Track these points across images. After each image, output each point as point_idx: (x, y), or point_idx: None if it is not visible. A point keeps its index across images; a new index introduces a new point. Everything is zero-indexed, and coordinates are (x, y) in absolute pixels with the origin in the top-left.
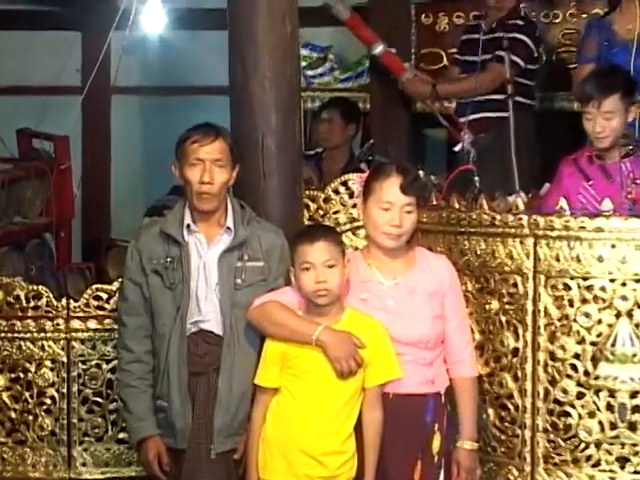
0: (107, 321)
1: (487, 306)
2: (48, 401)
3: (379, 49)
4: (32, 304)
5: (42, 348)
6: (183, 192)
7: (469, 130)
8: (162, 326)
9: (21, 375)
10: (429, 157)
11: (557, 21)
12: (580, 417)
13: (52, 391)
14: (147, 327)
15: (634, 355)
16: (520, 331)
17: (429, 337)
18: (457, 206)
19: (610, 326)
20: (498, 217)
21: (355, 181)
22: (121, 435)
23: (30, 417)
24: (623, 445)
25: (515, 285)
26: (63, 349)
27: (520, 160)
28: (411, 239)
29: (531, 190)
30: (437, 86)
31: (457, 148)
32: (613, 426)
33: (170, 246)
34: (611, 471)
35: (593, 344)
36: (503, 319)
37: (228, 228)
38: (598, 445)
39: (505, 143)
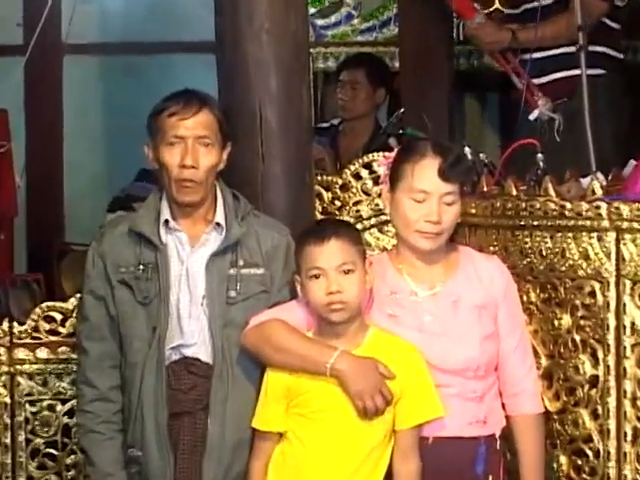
0: (62, 349)
1: (556, 322)
2: None
3: None
4: None
5: None
6: (158, 179)
7: (543, 94)
8: (134, 353)
9: None
10: (478, 128)
11: None
12: None
13: None
14: (114, 355)
15: None
16: (600, 354)
17: (478, 363)
18: (515, 193)
19: None
20: (569, 206)
21: (380, 162)
22: None
23: None
24: None
25: (592, 294)
26: (5, 387)
27: (602, 131)
28: (454, 235)
29: (612, 170)
30: (517, 32)
31: (533, 116)
32: None
33: (143, 249)
34: None
35: None
36: (577, 338)
37: (218, 225)
38: None
39: (596, 109)
